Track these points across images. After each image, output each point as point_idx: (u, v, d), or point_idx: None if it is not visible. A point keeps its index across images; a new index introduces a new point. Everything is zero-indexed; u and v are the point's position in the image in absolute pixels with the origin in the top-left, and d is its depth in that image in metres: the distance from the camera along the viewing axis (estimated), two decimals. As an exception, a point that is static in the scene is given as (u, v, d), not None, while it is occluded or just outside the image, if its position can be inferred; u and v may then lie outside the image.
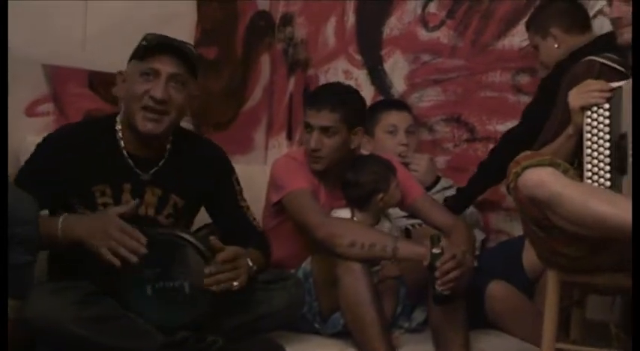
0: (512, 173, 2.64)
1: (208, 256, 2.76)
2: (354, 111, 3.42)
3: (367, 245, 3.11)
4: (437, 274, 3.01)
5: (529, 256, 3.34)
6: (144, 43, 2.91)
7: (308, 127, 3.40)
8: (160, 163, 2.98)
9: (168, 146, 3.01)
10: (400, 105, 4.02)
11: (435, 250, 3.03)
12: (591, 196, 2.58)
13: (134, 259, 2.65)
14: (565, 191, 2.56)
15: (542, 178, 2.59)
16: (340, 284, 3.10)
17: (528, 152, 2.75)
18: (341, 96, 3.43)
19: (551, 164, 2.62)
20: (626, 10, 2.91)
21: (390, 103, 4.05)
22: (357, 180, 3.35)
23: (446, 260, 3.01)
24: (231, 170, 3.16)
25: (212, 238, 2.83)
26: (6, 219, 2.48)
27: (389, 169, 3.39)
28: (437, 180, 3.89)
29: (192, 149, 3.07)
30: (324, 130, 3.35)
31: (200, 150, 3.10)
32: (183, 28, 3.89)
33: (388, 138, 3.86)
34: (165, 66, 2.88)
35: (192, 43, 4.25)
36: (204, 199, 3.10)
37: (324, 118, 3.36)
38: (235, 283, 2.77)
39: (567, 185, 2.58)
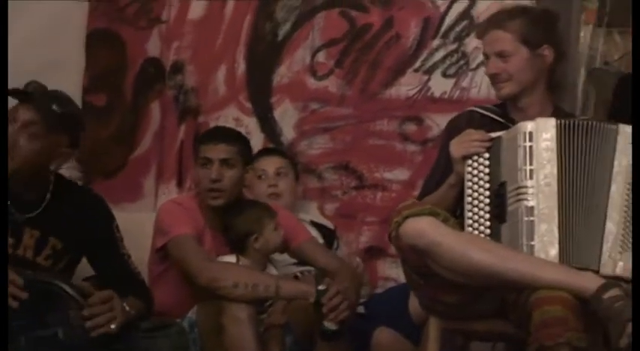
0: (394, 222, 2.70)
1: (81, 301, 2.74)
2: (246, 148, 3.52)
3: (250, 285, 3.13)
4: (324, 309, 3.07)
5: (415, 303, 3.37)
6: None
7: (206, 161, 3.42)
8: (41, 208, 2.98)
9: (48, 196, 3.01)
10: (270, 151, 4.07)
11: (321, 287, 3.11)
12: (470, 244, 2.66)
13: (14, 304, 2.64)
14: (444, 240, 2.62)
15: (422, 227, 2.65)
16: (225, 333, 3.09)
17: (410, 201, 2.82)
18: (234, 133, 3.60)
19: (431, 213, 2.68)
20: (502, 67, 3.01)
21: (260, 152, 4.04)
22: (231, 223, 3.38)
23: (332, 295, 3.09)
24: (111, 218, 3.14)
25: (84, 284, 2.82)
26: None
27: (265, 212, 3.41)
28: None
29: (72, 198, 3.06)
30: (224, 161, 3.40)
31: (80, 198, 3.10)
32: (70, 74, 3.87)
33: (258, 182, 3.87)
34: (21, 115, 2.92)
35: (80, 90, 4.30)
36: (84, 246, 3.08)
37: (222, 150, 3.42)
38: (112, 326, 2.76)
39: (446, 234, 2.64)
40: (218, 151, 3.42)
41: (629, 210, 2.76)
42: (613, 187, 2.76)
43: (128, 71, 4.37)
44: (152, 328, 2.96)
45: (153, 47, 4.48)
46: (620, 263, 2.71)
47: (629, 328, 2.42)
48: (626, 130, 2.79)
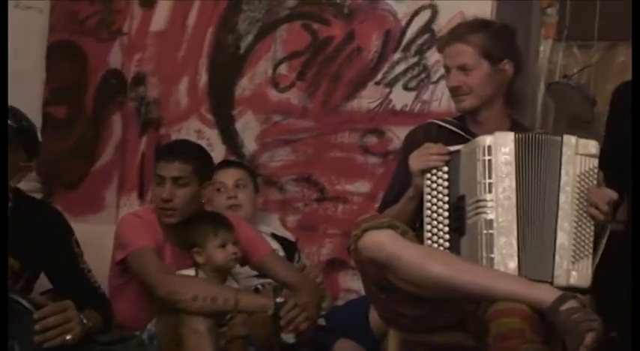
0: (353, 236, 2.71)
1: (35, 312, 2.71)
2: (204, 164, 3.50)
3: (209, 299, 3.13)
4: (282, 322, 3.09)
5: (375, 315, 3.38)
6: None
7: (160, 179, 3.41)
8: None
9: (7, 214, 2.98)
10: (228, 163, 4.06)
11: (279, 300, 3.12)
12: (428, 257, 2.67)
13: None
14: (403, 253, 2.63)
15: (381, 240, 2.66)
16: (184, 345, 3.10)
17: (369, 214, 2.83)
18: (191, 149, 3.55)
19: (390, 226, 2.69)
20: (463, 80, 3.03)
21: (218, 164, 3.99)
22: (183, 234, 3.38)
23: (290, 308, 3.11)
24: (70, 232, 3.11)
25: (41, 297, 2.80)
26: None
27: (212, 228, 3.36)
28: None
29: (30, 214, 3.03)
30: (176, 180, 3.38)
31: (38, 214, 3.07)
32: (31, 86, 3.85)
33: (217, 196, 3.86)
34: None
35: (40, 102, 4.28)
36: (42, 263, 3.05)
37: (175, 168, 3.40)
38: (68, 337, 2.73)
39: (405, 247, 2.66)
40: (171, 170, 3.40)
41: (583, 218, 2.80)
42: (562, 198, 2.80)
43: (89, 83, 4.36)
44: (111, 341, 2.94)
45: (114, 59, 4.48)
46: (574, 273, 2.75)
47: (587, 339, 2.45)
48: (571, 141, 2.84)
